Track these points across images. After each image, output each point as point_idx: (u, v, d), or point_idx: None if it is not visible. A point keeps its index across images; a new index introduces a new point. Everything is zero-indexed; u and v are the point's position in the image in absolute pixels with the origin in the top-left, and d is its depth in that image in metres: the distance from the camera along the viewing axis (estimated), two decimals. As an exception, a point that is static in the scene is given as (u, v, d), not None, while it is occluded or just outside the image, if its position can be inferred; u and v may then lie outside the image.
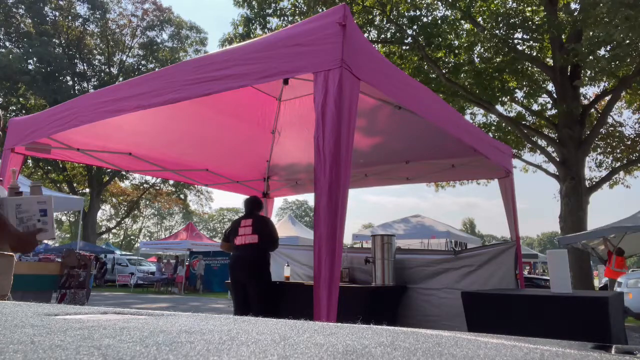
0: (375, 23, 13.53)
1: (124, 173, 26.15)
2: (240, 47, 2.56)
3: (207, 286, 18.33)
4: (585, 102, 13.88)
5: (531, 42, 12.76)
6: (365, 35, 12.23)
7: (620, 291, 9.58)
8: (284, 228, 15.96)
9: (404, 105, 3.01)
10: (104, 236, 41.04)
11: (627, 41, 9.07)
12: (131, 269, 22.02)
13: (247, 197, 4.81)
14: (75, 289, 6.94)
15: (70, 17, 26.76)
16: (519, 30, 12.14)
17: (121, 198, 33.66)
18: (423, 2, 13.41)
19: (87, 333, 0.63)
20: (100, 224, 41.94)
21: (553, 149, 12.99)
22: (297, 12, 13.31)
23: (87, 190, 27.29)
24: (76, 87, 26.28)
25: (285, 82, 3.87)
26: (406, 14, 13.10)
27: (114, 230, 51.84)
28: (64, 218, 44.69)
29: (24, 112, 24.22)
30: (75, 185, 27.79)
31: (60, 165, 25.86)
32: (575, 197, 11.33)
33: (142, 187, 31.45)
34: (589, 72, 11.43)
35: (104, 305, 10.00)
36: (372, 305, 4.16)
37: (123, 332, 0.65)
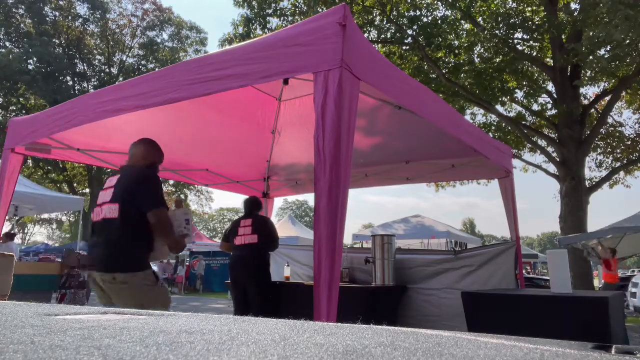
0: (375, 23, 13.51)
1: (124, 173, 26.03)
2: (240, 47, 2.55)
3: (207, 286, 18.33)
4: (585, 102, 13.86)
5: (531, 42, 12.73)
6: (365, 35, 12.22)
7: (634, 291, 9.72)
8: (284, 228, 15.97)
9: (404, 105, 3.00)
10: (104, 236, 40.89)
11: (627, 41, 9.06)
12: (131, 268, 21.95)
13: (247, 197, 4.81)
14: (75, 289, 6.93)
15: (70, 17, 26.77)
16: (519, 30, 12.11)
17: (121, 198, 33.57)
18: (423, 2, 13.39)
19: (87, 333, 0.63)
20: (100, 224, 41.77)
21: (553, 149, 12.97)
22: (297, 12, 13.30)
23: (87, 190, 27.27)
24: (76, 87, 26.29)
25: (285, 82, 3.86)
26: (406, 14, 13.09)
27: (114, 230, 51.68)
28: (64, 218, 44.66)
29: (24, 112, 24.20)
30: (75, 185, 27.79)
31: (60, 165, 25.86)
32: (575, 197, 11.31)
33: (142, 187, 31.38)
34: (589, 72, 11.42)
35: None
36: (372, 305, 4.16)
37: (123, 332, 0.65)
